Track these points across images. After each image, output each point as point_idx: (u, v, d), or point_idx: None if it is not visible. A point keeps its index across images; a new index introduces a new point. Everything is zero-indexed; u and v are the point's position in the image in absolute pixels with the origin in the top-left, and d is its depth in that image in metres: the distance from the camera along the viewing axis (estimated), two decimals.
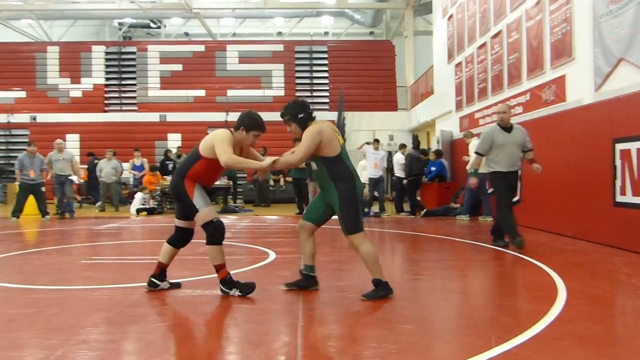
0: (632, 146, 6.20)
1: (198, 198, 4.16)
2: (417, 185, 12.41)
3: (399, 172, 12.61)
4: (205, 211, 4.16)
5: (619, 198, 6.50)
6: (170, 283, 4.55)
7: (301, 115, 4.18)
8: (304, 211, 4.55)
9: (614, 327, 3.54)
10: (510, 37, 10.17)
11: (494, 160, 6.74)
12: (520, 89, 9.80)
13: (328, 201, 4.23)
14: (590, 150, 7.21)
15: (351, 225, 4.09)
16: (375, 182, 12.01)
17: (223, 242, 4.20)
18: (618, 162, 6.49)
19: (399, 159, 12.74)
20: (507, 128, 6.69)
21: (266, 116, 16.53)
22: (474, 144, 11.03)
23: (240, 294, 4.15)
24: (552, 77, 8.60)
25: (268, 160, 4.12)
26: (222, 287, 4.20)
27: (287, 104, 4.30)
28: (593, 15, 7.29)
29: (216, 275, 4.26)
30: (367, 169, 11.94)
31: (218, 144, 4.07)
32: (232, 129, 4.25)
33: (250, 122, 4.22)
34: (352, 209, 4.10)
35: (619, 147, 6.47)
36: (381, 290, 4.08)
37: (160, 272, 4.48)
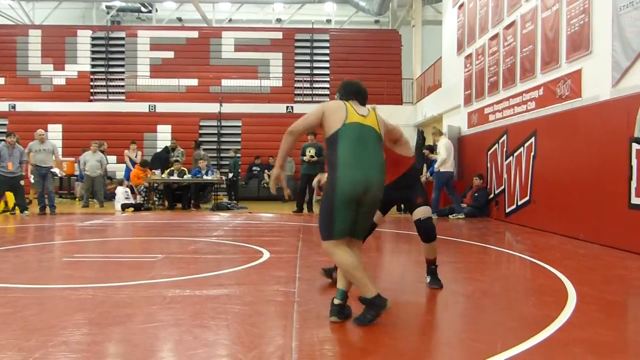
0: None
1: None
2: None
3: None
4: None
5: (635, 200, 6.54)
6: None
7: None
8: None
9: (626, 333, 3.57)
10: (525, 28, 10.19)
11: None
12: (533, 84, 9.82)
13: None
14: (606, 150, 7.24)
15: (321, 228, 3.58)
16: None
17: None
18: (634, 162, 6.52)
19: None
20: None
21: (263, 108, 16.65)
22: (443, 143, 11.29)
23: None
24: (567, 72, 8.62)
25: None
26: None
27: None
28: (613, 6, 7.32)
29: (197, 275, 4.35)
30: None
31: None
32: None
33: None
34: (325, 209, 3.55)
35: (636, 146, 6.50)
36: (370, 311, 3.45)
37: None
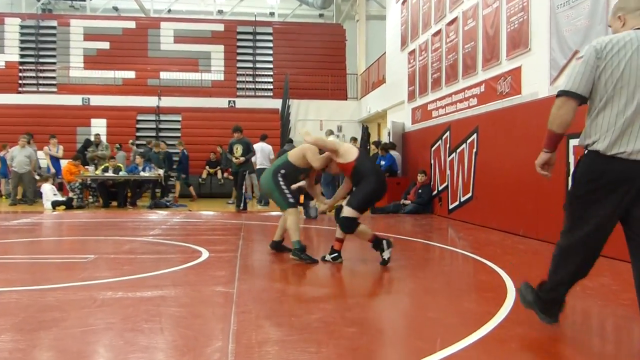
0: None
1: None
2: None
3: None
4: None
5: None
6: None
7: None
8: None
9: (562, 328, 3.68)
10: (466, 25, 10.41)
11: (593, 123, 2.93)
12: (475, 80, 10.06)
13: None
14: None
15: None
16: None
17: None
18: (571, 159, 6.77)
19: None
20: None
21: (204, 102, 16.45)
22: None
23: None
24: (507, 69, 8.86)
25: None
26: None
27: None
28: (550, 5, 7.57)
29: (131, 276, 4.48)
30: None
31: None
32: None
33: None
34: None
35: (572, 143, 6.74)
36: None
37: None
